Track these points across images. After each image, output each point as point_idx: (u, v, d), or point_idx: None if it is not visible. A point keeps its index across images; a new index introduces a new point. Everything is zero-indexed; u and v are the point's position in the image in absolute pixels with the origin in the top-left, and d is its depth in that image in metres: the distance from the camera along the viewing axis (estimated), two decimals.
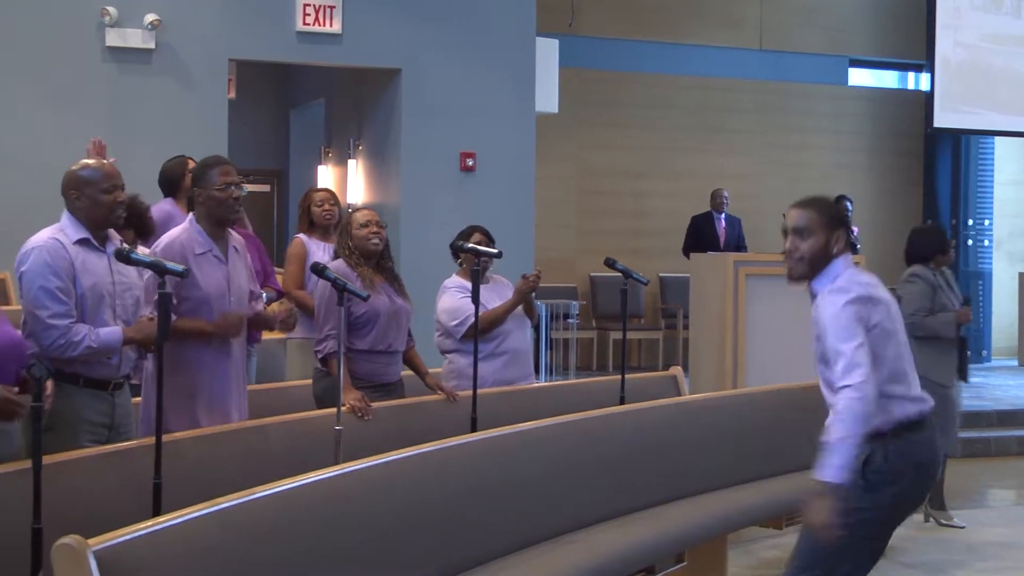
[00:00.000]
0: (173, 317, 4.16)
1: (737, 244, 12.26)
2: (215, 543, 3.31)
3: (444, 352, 6.10)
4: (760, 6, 14.05)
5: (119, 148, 7.63)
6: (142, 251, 5.22)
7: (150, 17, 9.29)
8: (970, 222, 14.65)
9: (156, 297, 4.11)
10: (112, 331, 4.24)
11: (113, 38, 9.30)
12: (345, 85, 11.94)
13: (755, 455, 6.02)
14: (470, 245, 5.79)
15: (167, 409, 4.17)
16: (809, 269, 3.86)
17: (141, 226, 5.30)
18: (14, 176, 8.92)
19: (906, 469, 3.70)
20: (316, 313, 5.50)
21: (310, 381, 5.57)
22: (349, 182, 11.65)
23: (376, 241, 5.49)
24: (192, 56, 9.52)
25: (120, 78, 9.36)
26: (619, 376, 6.19)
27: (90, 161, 4.49)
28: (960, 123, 14.03)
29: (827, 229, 3.85)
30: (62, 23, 9.22)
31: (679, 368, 6.95)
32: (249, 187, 4.80)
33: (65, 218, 4.31)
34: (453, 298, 5.99)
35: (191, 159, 6.43)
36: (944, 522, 7.27)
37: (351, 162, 11.68)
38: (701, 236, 12.14)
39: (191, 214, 4.74)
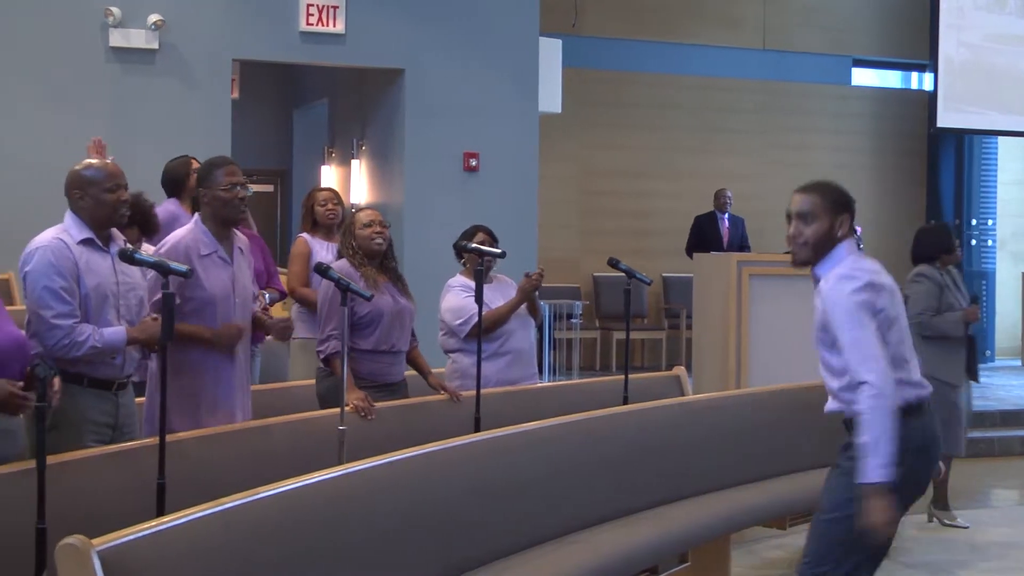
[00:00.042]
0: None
1: (740, 244, 12.26)
2: (219, 543, 3.31)
3: (447, 352, 6.09)
4: (763, 6, 14.05)
5: (122, 148, 7.64)
6: (147, 249, 5.24)
7: (153, 17, 9.29)
8: (973, 222, 14.64)
9: (158, 297, 4.12)
10: (116, 331, 4.25)
11: (116, 38, 9.31)
12: (348, 85, 11.94)
13: (758, 455, 6.01)
14: (473, 245, 5.79)
15: (171, 411, 4.17)
16: (813, 254, 3.83)
17: (145, 224, 5.30)
18: (17, 176, 8.93)
19: (905, 454, 3.69)
20: (319, 313, 5.49)
21: (313, 381, 5.57)
22: (352, 182, 11.65)
23: (379, 241, 5.49)
24: (195, 56, 9.52)
25: (123, 78, 9.37)
26: (622, 376, 6.19)
27: (93, 160, 4.49)
28: (963, 123, 14.02)
29: (831, 213, 3.82)
30: (65, 23, 9.22)
31: (682, 368, 6.95)
32: (252, 187, 4.80)
33: (69, 218, 4.31)
34: (457, 297, 5.99)
35: (194, 159, 6.43)
36: (947, 522, 7.26)
37: (354, 162, 11.69)
38: (704, 236, 12.14)
39: (197, 214, 4.74)
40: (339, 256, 5.59)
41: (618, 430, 5.41)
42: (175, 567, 3.17)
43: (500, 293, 6.10)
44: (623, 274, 6.13)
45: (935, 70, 13.89)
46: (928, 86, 14.42)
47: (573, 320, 11.59)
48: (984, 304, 14.14)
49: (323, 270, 4.95)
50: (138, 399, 4.58)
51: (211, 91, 9.57)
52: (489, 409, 5.41)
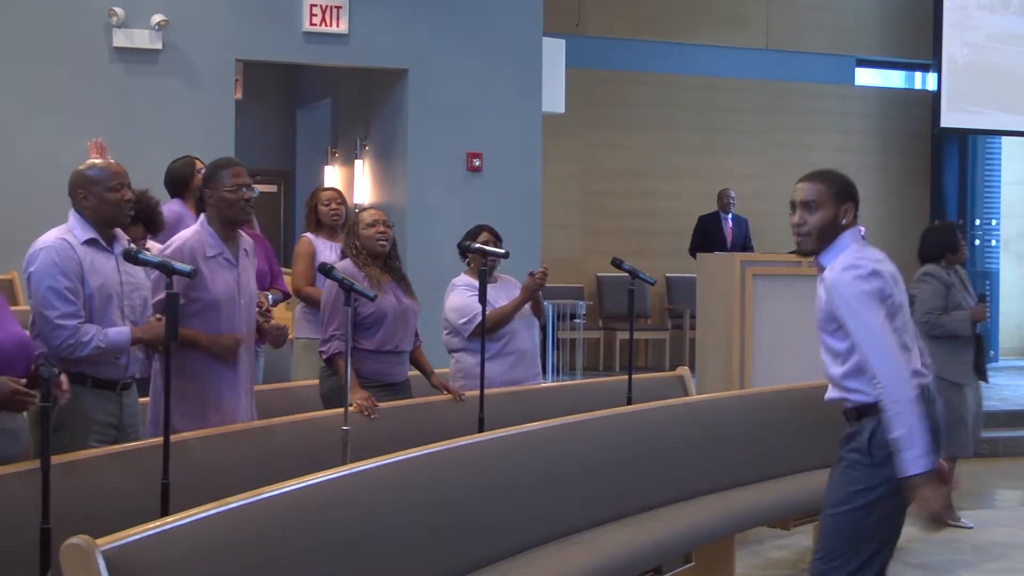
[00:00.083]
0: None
1: (744, 244, 12.26)
2: (223, 543, 3.31)
3: (451, 351, 6.09)
4: (767, 6, 14.04)
5: (126, 148, 7.65)
6: (152, 247, 5.25)
7: (157, 18, 9.30)
8: (977, 222, 14.63)
9: (161, 297, 4.12)
10: (120, 331, 4.25)
11: (120, 39, 9.32)
12: (352, 85, 11.95)
13: (762, 455, 6.01)
14: (476, 245, 5.79)
15: (175, 412, 4.17)
16: (817, 243, 3.81)
17: (150, 221, 5.30)
18: (21, 176, 8.94)
19: None
20: (322, 313, 5.49)
21: (317, 381, 5.57)
22: (356, 182, 11.66)
23: (383, 241, 5.49)
24: (199, 57, 9.53)
25: (127, 79, 9.37)
26: (626, 376, 6.18)
27: (96, 160, 4.50)
28: (967, 123, 14.01)
29: (836, 202, 3.80)
30: (69, 23, 9.23)
31: (686, 368, 6.94)
32: (256, 187, 4.80)
33: (73, 218, 4.32)
34: (461, 296, 5.99)
35: (198, 159, 6.44)
36: (951, 522, 7.25)
37: (358, 162, 11.69)
38: (708, 236, 12.13)
39: (203, 216, 4.74)
40: (343, 256, 5.58)
41: (622, 431, 5.41)
42: (179, 567, 3.16)
43: (504, 293, 6.10)
44: (627, 274, 6.12)
45: (939, 70, 13.89)
46: (932, 86, 14.42)
47: (576, 320, 11.59)
48: (988, 304, 14.12)
49: (327, 270, 4.95)
50: (141, 399, 4.58)
51: (214, 91, 9.58)
52: (493, 409, 5.41)
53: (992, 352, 14.28)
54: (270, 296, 6.47)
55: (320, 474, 3.84)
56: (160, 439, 3.97)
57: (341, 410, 4.75)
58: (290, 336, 6.69)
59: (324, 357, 5.39)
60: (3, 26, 9.15)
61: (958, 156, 14.63)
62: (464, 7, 10.28)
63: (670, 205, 13.49)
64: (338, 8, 9.81)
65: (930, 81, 14.60)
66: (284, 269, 6.99)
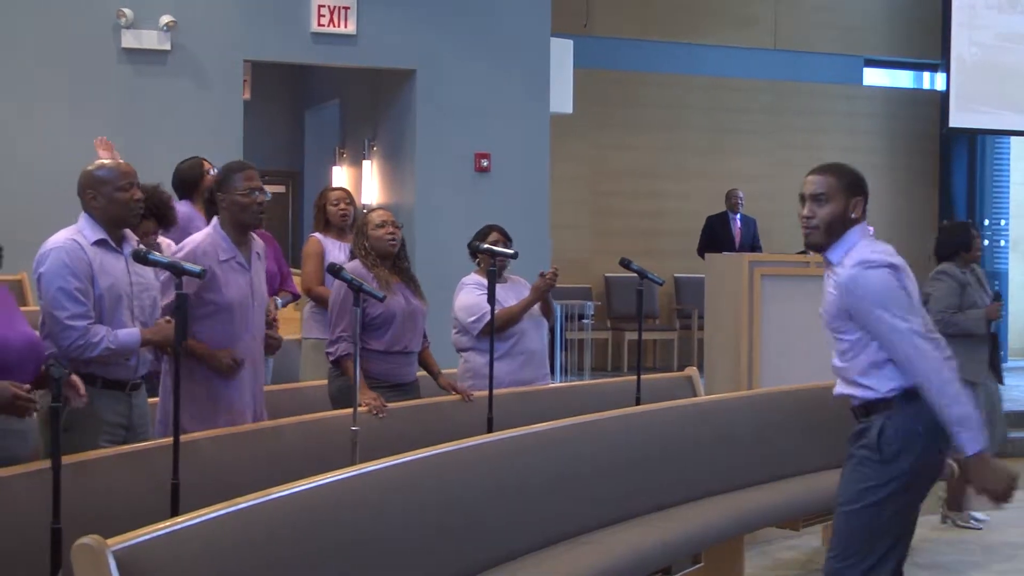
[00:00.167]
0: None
1: (752, 244, 12.25)
2: (233, 543, 3.32)
3: (460, 350, 6.09)
4: (775, 6, 14.03)
5: (134, 149, 7.66)
6: (163, 242, 5.26)
7: (165, 19, 9.32)
8: (986, 222, 14.59)
9: (171, 300, 4.12)
10: (130, 332, 4.25)
11: (128, 39, 9.34)
12: (360, 86, 11.96)
13: (771, 456, 6.00)
14: (485, 246, 5.79)
15: (185, 413, 4.18)
16: (825, 236, 3.79)
17: (163, 216, 5.30)
18: (30, 177, 8.96)
19: (916, 436, 3.69)
20: (329, 314, 5.49)
21: (325, 381, 5.57)
22: (364, 183, 11.67)
23: (392, 241, 5.49)
24: (207, 57, 9.54)
25: (135, 79, 9.39)
26: (634, 377, 6.18)
27: (105, 160, 4.50)
28: (976, 123, 13.99)
29: (845, 195, 3.79)
30: (77, 25, 9.25)
31: (694, 369, 6.94)
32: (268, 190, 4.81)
33: (82, 219, 4.32)
34: (470, 295, 5.99)
35: (206, 160, 6.44)
36: (961, 523, 7.24)
37: (366, 163, 11.70)
38: (716, 236, 12.12)
39: (215, 219, 4.74)
40: (352, 257, 5.59)
41: (631, 431, 5.41)
42: (190, 567, 3.17)
43: (513, 293, 6.10)
44: (635, 274, 6.12)
45: (947, 70, 13.86)
46: (940, 86, 14.39)
47: (585, 321, 11.59)
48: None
49: (336, 270, 4.95)
50: (151, 399, 4.59)
51: (223, 92, 9.59)
52: (501, 409, 5.41)
53: (1001, 352, 14.25)
54: (279, 301, 6.48)
55: (330, 474, 3.85)
56: (170, 439, 3.98)
57: (350, 410, 4.75)
58: (298, 336, 6.71)
59: (331, 359, 5.39)
60: (12, 26, 9.18)
61: (967, 156, 14.60)
62: (472, 7, 10.28)
63: (678, 205, 13.48)
64: (346, 9, 9.83)
65: (938, 81, 14.57)
66: (293, 270, 6.99)
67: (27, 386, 3.77)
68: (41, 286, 4.22)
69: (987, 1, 13.91)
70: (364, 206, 10.28)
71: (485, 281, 5.80)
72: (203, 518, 3.28)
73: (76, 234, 4.27)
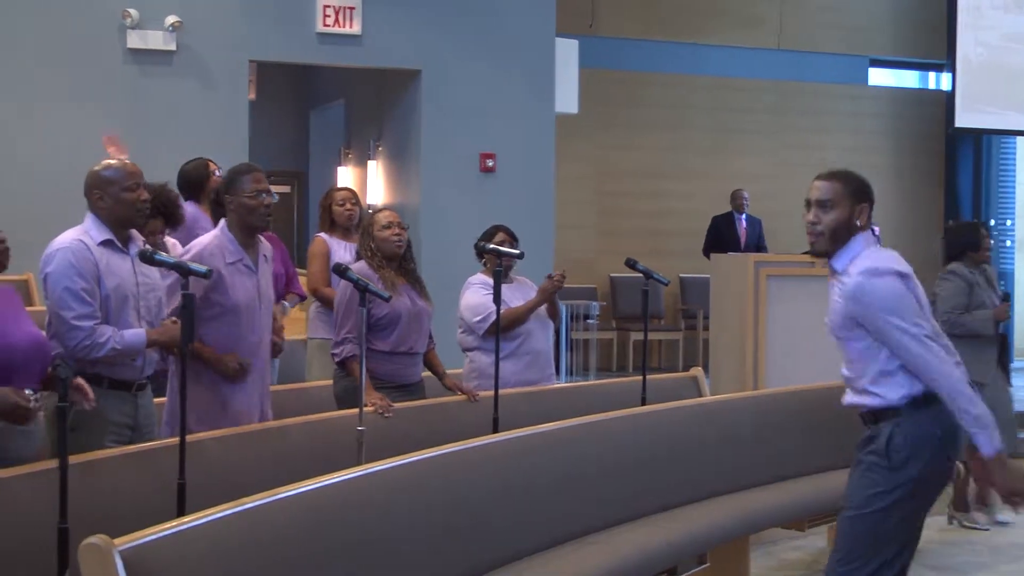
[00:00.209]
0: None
1: (757, 244, 12.24)
2: (239, 543, 3.32)
3: (466, 350, 6.09)
4: (780, 6, 14.02)
5: (139, 149, 7.67)
6: (170, 242, 5.26)
7: (171, 19, 9.32)
8: (992, 223, 14.56)
9: (177, 303, 4.12)
10: (136, 333, 4.26)
11: (134, 40, 9.34)
12: (365, 86, 11.96)
13: (776, 456, 6.00)
14: (491, 246, 5.78)
15: (191, 413, 4.18)
16: (830, 243, 3.79)
17: (170, 215, 5.30)
18: (35, 177, 8.96)
19: (926, 444, 3.69)
20: (335, 314, 5.49)
21: (331, 381, 5.57)
22: (369, 183, 11.67)
23: (399, 242, 5.48)
24: (212, 58, 9.55)
25: (141, 80, 9.40)
26: (639, 377, 6.18)
27: (112, 161, 4.51)
28: (981, 123, 13.97)
29: (851, 201, 3.78)
30: (83, 25, 9.25)
31: (700, 369, 6.93)
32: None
33: (89, 220, 4.33)
34: (476, 294, 5.99)
35: (211, 161, 6.44)
36: (967, 524, 7.23)
37: (371, 163, 11.70)
38: (721, 236, 12.12)
39: (223, 221, 4.74)
40: (358, 257, 5.58)
41: (637, 431, 5.41)
42: (196, 567, 3.17)
43: (520, 294, 6.10)
44: (640, 274, 6.11)
45: (953, 70, 13.85)
46: (945, 86, 14.37)
47: (590, 321, 11.58)
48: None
49: (342, 271, 4.95)
50: (157, 399, 4.59)
51: (228, 92, 9.60)
52: (507, 410, 5.41)
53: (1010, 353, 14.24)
54: (287, 305, 6.48)
55: (336, 474, 3.85)
56: (176, 439, 3.98)
57: (356, 410, 4.75)
58: (304, 336, 6.72)
59: (336, 360, 5.39)
60: (17, 27, 9.18)
61: (972, 156, 14.58)
62: (477, 8, 10.28)
63: (683, 205, 13.48)
64: (351, 9, 9.83)
65: (944, 81, 14.56)
66: (299, 270, 6.99)
67: (28, 391, 3.76)
68: (47, 286, 4.23)
69: (993, 1, 13.89)
70: (369, 206, 10.29)
71: (491, 280, 5.79)
72: (209, 518, 3.28)
73: (82, 234, 4.27)
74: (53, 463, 3.58)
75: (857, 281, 3.69)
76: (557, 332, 6.51)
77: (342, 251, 6.40)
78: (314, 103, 14.42)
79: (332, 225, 6.65)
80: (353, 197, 6.76)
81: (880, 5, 14.61)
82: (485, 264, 6.11)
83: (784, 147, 14.06)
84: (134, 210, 4.32)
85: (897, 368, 3.69)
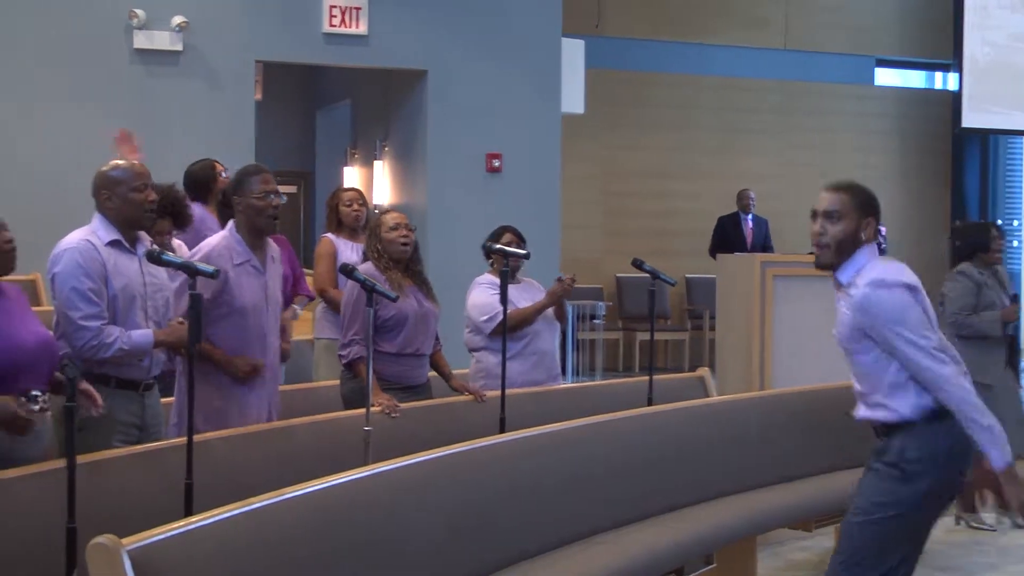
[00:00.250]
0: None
1: (764, 245, 12.24)
2: (247, 543, 3.32)
3: (472, 350, 6.09)
4: (785, 6, 14.02)
5: (146, 150, 7.68)
6: (177, 243, 5.26)
7: (177, 19, 9.33)
8: (998, 222, 14.55)
9: (186, 304, 4.12)
10: (143, 333, 4.26)
11: (140, 40, 9.35)
12: (371, 86, 11.97)
13: (783, 456, 5.99)
14: (498, 246, 5.78)
15: (199, 414, 4.18)
16: (836, 255, 3.78)
17: (178, 215, 5.31)
18: (42, 178, 8.98)
19: (938, 457, 3.68)
20: (342, 315, 5.48)
21: (338, 382, 5.57)
22: (375, 183, 11.67)
23: (406, 244, 5.48)
24: (219, 58, 9.56)
25: (147, 80, 9.41)
26: (646, 377, 6.17)
27: (120, 161, 4.51)
28: (988, 123, 13.96)
29: (858, 214, 3.77)
30: (90, 25, 9.27)
31: (706, 369, 6.93)
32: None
33: (96, 220, 4.33)
34: (483, 294, 5.99)
35: (218, 162, 6.44)
36: (975, 525, 7.22)
37: (377, 163, 11.71)
38: (728, 237, 12.12)
39: (231, 223, 4.75)
40: (364, 258, 5.58)
41: (644, 431, 5.40)
42: (203, 567, 3.17)
43: (527, 294, 6.10)
44: (646, 275, 6.11)
45: (959, 70, 13.84)
46: (952, 86, 14.36)
47: (596, 321, 11.58)
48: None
49: (348, 271, 4.95)
50: (165, 400, 4.60)
51: (234, 93, 9.61)
52: (513, 410, 5.40)
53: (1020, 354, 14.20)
54: (297, 309, 6.46)
55: (343, 475, 3.85)
56: (183, 439, 3.99)
57: (362, 411, 4.75)
58: (311, 336, 6.72)
59: (343, 362, 5.39)
60: (24, 28, 9.20)
61: (979, 156, 14.57)
62: (484, 8, 10.29)
63: (689, 205, 13.48)
64: (357, 9, 9.84)
65: (950, 81, 14.54)
66: (306, 270, 6.99)
67: (35, 392, 3.76)
68: (55, 286, 4.24)
69: (999, 1, 13.88)
70: (376, 207, 10.29)
71: (498, 280, 5.80)
72: (217, 518, 3.29)
73: (90, 234, 4.28)
74: (61, 463, 3.59)
75: (865, 292, 3.68)
76: (563, 332, 6.51)
77: (349, 252, 6.40)
78: (320, 103, 14.43)
79: (339, 225, 6.65)
80: (360, 198, 6.76)
81: (886, 5, 14.60)
82: (492, 264, 6.11)
83: (790, 147, 14.05)
84: (142, 211, 4.33)
85: (908, 380, 3.68)
